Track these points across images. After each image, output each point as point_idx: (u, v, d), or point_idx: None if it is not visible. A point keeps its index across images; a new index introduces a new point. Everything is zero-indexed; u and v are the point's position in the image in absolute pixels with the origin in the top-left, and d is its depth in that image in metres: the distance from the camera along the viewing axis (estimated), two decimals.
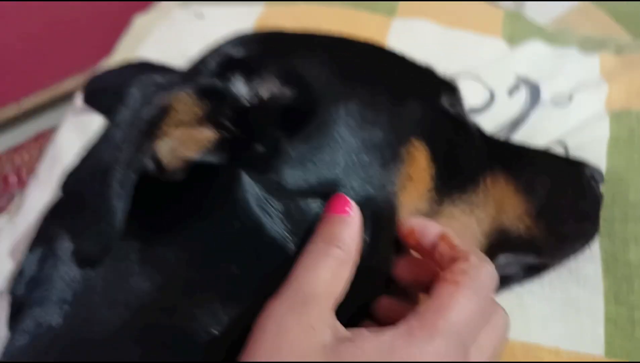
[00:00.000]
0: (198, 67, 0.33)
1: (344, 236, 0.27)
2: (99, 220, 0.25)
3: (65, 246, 0.31)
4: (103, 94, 0.47)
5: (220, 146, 0.28)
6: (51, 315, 0.30)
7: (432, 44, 0.49)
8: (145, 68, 0.47)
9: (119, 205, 0.25)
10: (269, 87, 0.30)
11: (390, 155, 0.31)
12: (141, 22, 0.54)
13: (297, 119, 0.30)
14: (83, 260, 0.29)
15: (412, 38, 0.49)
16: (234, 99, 0.28)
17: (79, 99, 0.49)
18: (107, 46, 1.59)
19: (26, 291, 0.33)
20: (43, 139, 1.66)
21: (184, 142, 0.27)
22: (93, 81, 0.48)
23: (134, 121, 0.26)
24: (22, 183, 1.59)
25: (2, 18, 1.22)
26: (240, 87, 0.29)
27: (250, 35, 0.34)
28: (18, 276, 0.35)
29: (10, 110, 1.47)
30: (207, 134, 0.27)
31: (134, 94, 0.28)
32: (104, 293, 0.28)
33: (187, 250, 0.28)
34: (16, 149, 1.61)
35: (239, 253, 0.28)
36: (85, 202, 0.27)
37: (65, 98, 1.64)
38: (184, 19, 0.51)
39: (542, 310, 0.40)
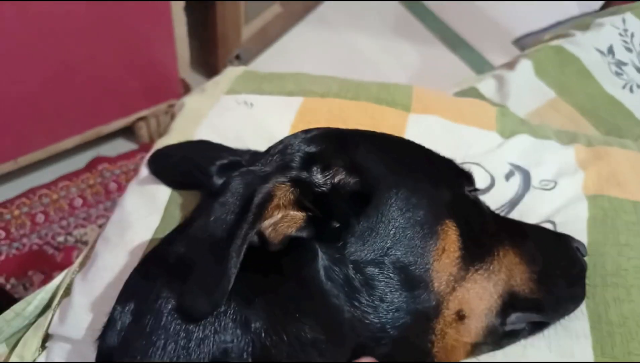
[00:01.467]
0: (283, 159, 0.40)
1: None
2: (217, 284, 0.32)
3: (165, 303, 0.37)
4: (170, 167, 0.55)
5: (308, 223, 0.36)
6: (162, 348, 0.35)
7: (442, 136, 0.59)
8: (205, 146, 0.55)
9: (234, 272, 0.32)
10: (338, 177, 0.38)
11: (428, 231, 0.39)
12: (192, 105, 0.63)
13: (360, 201, 0.38)
14: (193, 316, 0.34)
15: (426, 130, 0.59)
16: (315, 187, 0.37)
17: (144, 170, 0.56)
18: (104, 111, 1.65)
19: (119, 342, 0.38)
20: (33, 195, 1.68)
21: (284, 221, 0.35)
22: (158, 156, 0.55)
23: (245, 205, 0.34)
24: (9, 238, 1.59)
25: (2, 82, 1.27)
26: (318, 177, 0.37)
27: (318, 134, 0.43)
28: (108, 327, 0.40)
29: (6, 166, 1.50)
30: (300, 215, 0.35)
31: (236, 182, 0.36)
32: (200, 344, 0.34)
33: (271, 314, 0.35)
34: (5, 204, 1.62)
35: (312, 317, 0.35)
36: (202, 267, 0.34)
37: (60, 156, 1.69)
38: (234, 106, 0.60)
39: (544, 357, 0.48)
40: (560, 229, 0.54)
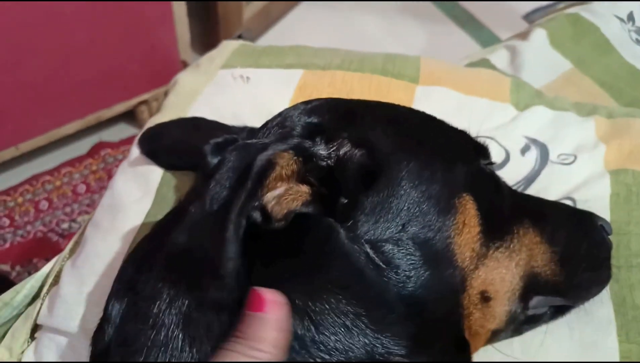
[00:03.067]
0: (283, 131, 0.37)
1: (263, 336, 0.29)
2: (220, 262, 0.29)
3: (165, 295, 0.34)
4: (162, 147, 0.51)
5: (314, 199, 0.32)
6: (170, 355, 0.32)
7: (452, 109, 0.55)
8: (199, 124, 0.52)
9: (234, 247, 0.29)
10: (343, 149, 0.35)
11: (445, 205, 0.36)
12: (186, 81, 0.59)
13: (368, 175, 0.35)
14: (205, 304, 0.31)
15: (435, 103, 0.55)
16: (320, 160, 0.33)
17: (135, 151, 0.53)
18: (105, 95, 1.63)
19: (116, 338, 0.36)
20: (36, 181, 1.66)
21: (288, 194, 0.31)
22: (150, 135, 0.52)
23: (242, 175, 0.30)
24: (13, 225, 1.58)
25: (3, 67, 1.26)
26: (322, 150, 0.34)
27: (320, 104, 0.39)
28: (104, 322, 0.37)
29: (8, 153, 1.49)
30: (305, 189, 0.32)
31: (233, 156, 0.32)
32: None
33: (304, 290, 0.32)
34: (8, 192, 1.61)
35: (349, 291, 0.32)
36: (201, 250, 0.30)
37: (62, 142, 1.67)
38: (230, 81, 0.57)
39: (563, 349, 0.44)
40: (581, 206, 0.50)
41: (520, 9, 2.08)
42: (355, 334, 0.32)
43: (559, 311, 0.44)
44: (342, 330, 0.32)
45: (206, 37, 1.90)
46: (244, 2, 1.80)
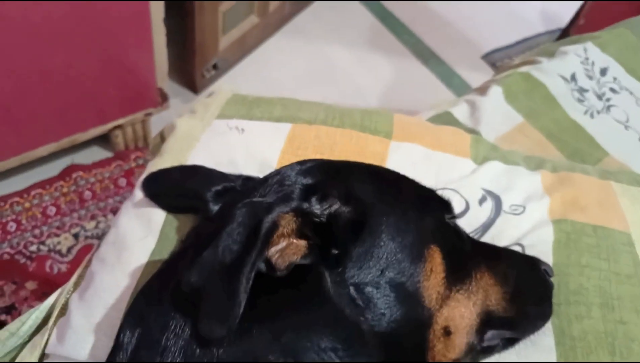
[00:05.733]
0: (282, 190, 0.43)
1: None
2: (230, 308, 0.35)
3: (175, 328, 0.39)
4: (165, 191, 0.57)
5: (310, 251, 0.39)
6: None
7: (421, 162, 0.63)
8: (198, 171, 0.58)
9: (244, 297, 0.35)
10: (334, 207, 0.42)
11: (417, 254, 0.43)
12: (184, 127, 0.65)
13: (355, 228, 0.42)
14: (211, 339, 0.37)
15: (406, 156, 0.63)
16: (315, 217, 0.40)
17: (138, 193, 0.58)
18: (80, 119, 1.64)
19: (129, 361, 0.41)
20: (4, 202, 1.65)
21: (289, 249, 0.38)
22: (152, 179, 0.57)
23: (252, 234, 0.37)
24: None
25: None
26: (316, 209, 0.41)
27: (312, 166, 0.46)
28: (115, 350, 0.42)
29: None
30: (303, 244, 0.39)
31: (243, 213, 0.39)
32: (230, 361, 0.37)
33: (291, 324, 0.38)
34: None
35: (325, 323, 0.39)
36: (213, 294, 0.36)
37: (32, 163, 1.66)
38: (226, 130, 0.63)
39: None
40: (529, 251, 0.59)
41: (479, 49, 2.23)
42: None
43: (509, 342, 0.51)
44: None
45: (182, 65, 1.95)
46: (220, 32, 1.87)
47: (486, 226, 0.60)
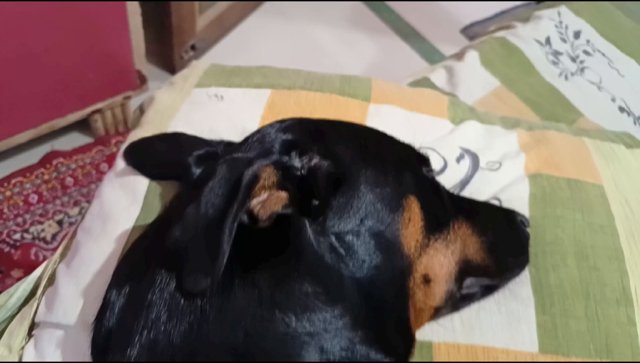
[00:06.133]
0: (263, 146, 0.44)
1: None
2: (214, 259, 0.36)
3: (162, 283, 0.40)
4: (147, 159, 0.57)
5: (291, 202, 0.40)
6: (165, 335, 0.38)
7: (399, 124, 0.64)
8: (180, 138, 0.58)
9: (227, 248, 0.36)
10: (314, 161, 0.43)
11: (395, 204, 0.44)
12: (163, 98, 0.65)
13: (335, 181, 0.43)
14: (197, 290, 0.38)
15: (385, 118, 0.64)
16: (295, 171, 0.41)
17: (120, 162, 0.58)
18: (59, 104, 1.62)
19: (116, 323, 0.41)
20: None
21: (270, 200, 0.39)
22: (134, 148, 0.58)
23: (234, 187, 0.38)
24: None
25: None
26: (296, 162, 0.42)
27: (293, 123, 0.47)
28: (104, 309, 0.43)
29: None
30: (284, 195, 0.39)
31: (224, 168, 0.40)
32: (214, 312, 0.38)
33: (272, 274, 0.39)
34: None
35: (308, 271, 0.40)
36: (197, 246, 0.37)
37: (11, 151, 1.64)
38: (206, 99, 0.63)
39: (493, 321, 0.54)
40: (506, 205, 0.60)
41: (458, 24, 2.24)
42: (314, 312, 0.39)
43: (488, 290, 0.53)
44: (302, 308, 0.39)
45: (160, 47, 1.92)
46: (197, 12, 1.84)
47: (464, 183, 0.62)
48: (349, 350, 0.40)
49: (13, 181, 1.69)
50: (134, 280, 0.42)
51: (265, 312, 0.38)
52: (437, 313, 0.51)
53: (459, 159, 0.64)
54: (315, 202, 0.42)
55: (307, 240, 0.41)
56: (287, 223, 0.41)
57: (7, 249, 1.59)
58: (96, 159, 1.80)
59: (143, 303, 0.40)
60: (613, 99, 0.92)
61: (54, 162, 1.75)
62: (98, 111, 1.73)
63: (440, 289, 0.48)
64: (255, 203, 0.39)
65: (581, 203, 0.62)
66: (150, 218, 0.52)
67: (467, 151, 0.65)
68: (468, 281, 0.50)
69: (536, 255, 0.57)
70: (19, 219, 1.63)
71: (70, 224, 1.64)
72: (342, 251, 0.41)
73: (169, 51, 1.91)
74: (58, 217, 1.65)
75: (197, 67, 0.69)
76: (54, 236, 1.61)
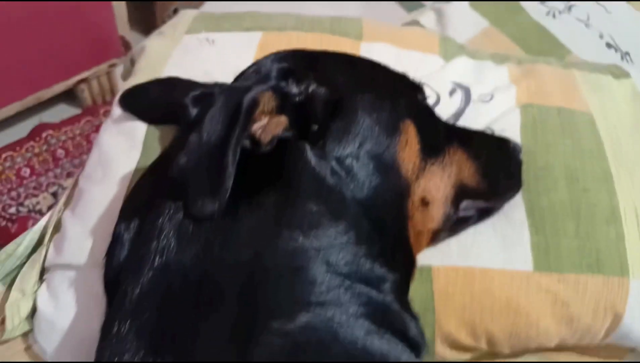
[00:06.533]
0: (260, 75, 0.45)
1: None
2: (220, 183, 0.37)
3: (169, 213, 0.41)
4: (144, 104, 0.58)
5: (291, 126, 0.41)
6: (176, 260, 0.39)
7: (391, 61, 0.64)
8: (174, 82, 0.58)
9: (232, 170, 0.37)
10: (311, 88, 0.43)
11: (392, 128, 0.46)
12: (154, 46, 0.65)
13: (332, 107, 0.44)
14: (204, 215, 0.39)
15: (377, 56, 0.64)
16: (293, 97, 0.42)
17: (117, 109, 0.59)
18: (44, 74, 1.60)
19: (127, 256, 0.43)
20: None
21: (271, 124, 0.40)
22: (130, 94, 0.58)
23: (234, 113, 0.38)
24: None
25: None
26: (294, 88, 0.42)
27: (288, 54, 0.48)
28: (114, 244, 0.44)
29: None
30: (284, 118, 0.40)
31: (223, 97, 0.40)
32: (223, 235, 0.39)
33: (279, 195, 0.40)
34: None
35: (312, 192, 0.41)
36: (202, 173, 0.38)
37: (1, 125, 1.63)
38: (197, 44, 0.63)
39: (490, 244, 0.56)
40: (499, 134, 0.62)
41: None
42: (320, 229, 0.40)
43: (483, 214, 0.55)
44: (308, 226, 0.40)
45: (143, 13, 1.89)
46: None
47: (457, 115, 0.63)
48: (354, 263, 0.41)
49: (4, 155, 1.68)
50: (142, 213, 0.43)
51: (273, 231, 0.40)
52: (435, 237, 0.53)
53: (451, 93, 0.64)
54: (315, 127, 0.42)
55: (309, 163, 0.42)
56: (287, 148, 0.42)
57: (3, 223, 1.59)
58: (85, 130, 1.79)
59: (152, 233, 0.41)
60: (601, 36, 0.93)
61: (44, 135, 1.74)
62: (84, 80, 1.71)
63: (437, 212, 0.50)
64: (256, 127, 0.40)
65: (571, 130, 0.63)
66: (151, 161, 0.53)
67: (459, 85, 0.66)
68: (464, 204, 0.52)
69: (528, 180, 0.59)
70: (13, 194, 1.62)
71: None
72: (342, 173, 0.43)
73: (151, 17, 1.88)
74: (52, 189, 1.65)
75: (185, 16, 0.69)
76: (49, 208, 1.61)
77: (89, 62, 1.66)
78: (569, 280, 0.55)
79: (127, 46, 1.77)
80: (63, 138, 1.76)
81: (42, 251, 0.54)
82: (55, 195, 1.63)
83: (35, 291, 0.52)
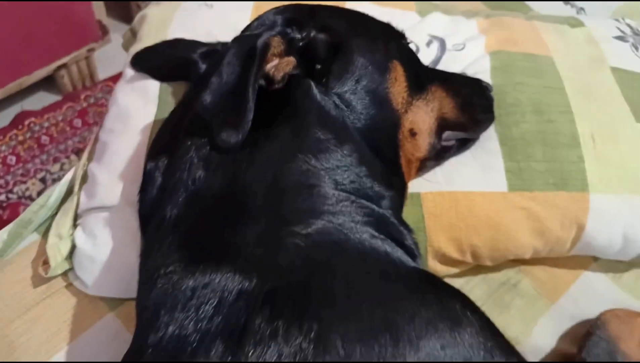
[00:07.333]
0: (266, 26, 0.51)
1: None
2: (243, 115, 0.43)
3: (196, 149, 0.47)
4: (155, 63, 0.63)
5: (299, 65, 0.47)
6: (205, 186, 0.46)
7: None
8: (181, 43, 0.64)
9: (252, 104, 0.44)
10: (312, 33, 0.50)
11: (383, 67, 0.53)
12: (155, 13, 0.70)
13: (332, 50, 0.51)
14: (229, 145, 0.45)
15: None
16: (297, 41, 0.48)
17: (129, 71, 0.64)
18: (24, 61, 1.61)
19: (158, 192, 0.49)
20: None
21: (281, 64, 0.46)
22: (141, 55, 0.64)
23: (249, 56, 0.45)
24: None
25: None
26: (297, 34, 0.49)
27: (289, 7, 0.54)
28: (146, 181, 0.50)
29: None
30: (292, 58, 0.47)
31: (236, 44, 0.47)
32: (245, 162, 0.46)
33: (292, 126, 0.47)
34: None
35: (319, 123, 0.48)
36: (224, 109, 0.44)
37: None
38: (196, 8, 0.68)
39: (470, 171, 0.64)
40: None
41: None
42: (328, 153, 0.48)
43: (462, 144, 0.63)
44: (317, 150, 0.47)
45: None
46: None
47: (435, 63, 0.70)
48: (357, 182, 0.49)
49: None
50: (169, 151, 0.49)
51: (288, 156, 0.47)
52: (423, 166, 0.61)
53: (428, 44, 0.72)
54: (318, 67, 0.49)
55: (315, 98, 0.49)
56: (295, 86, 0.49)
57: None
58: (68, 116, 1.81)
59: (183, 166, 0.47)
60: None
61: (26, 122, 1.75)
62: (63, 66, 1.72)
63: (424, 141, 0.58)
64: (269, 67, 0.46)
65: (535, 71, 0.72)
66: (167, 113, 0.59)
67: (435, 37, 0.73)
68: (446, 134, 0.60)
69: (500, 115, 0.67)
70: (1, 181, 1.64)
71: (54, 180, 1.66)
72: (343, 106, 0.50)
73: (126, 1, 1.90)
74: (40, 175, 1.67)
75: None
76: (39, 194, 1.64)
77: (68, 48, 1.67)
78: (539, 198, 0.63)
79: (104, 30, 1.79)
80: (46, 124, 1.77)
81: (73, 199, 0.60)
82: (43, 180, 1.65)
83: (71, 235, 0.58)
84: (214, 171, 0.47)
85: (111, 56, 1.87)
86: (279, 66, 0.46)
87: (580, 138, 0.67)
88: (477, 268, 0.66)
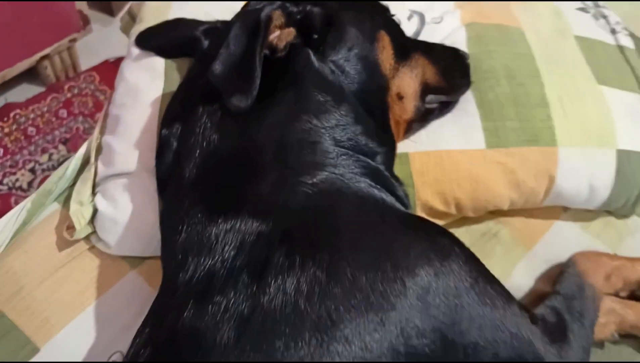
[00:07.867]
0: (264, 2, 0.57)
1: None
2: (252, 81, 0.49)
3: (207, 115, 0.53)
4: (159, 41, 0.68)
5: (298, 36, 0.53)
6: (218, 148, 0.51)
7: None
8: (184, 21, 0.69)
9: (259, 71, 0.49)
10: (308, 8, 0.56)
11: (372, 36, 0.59)
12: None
13: (326, 22, 0.56)
14: (239, 109, 0.50)
15: None
16: (295, 15, 0.54)
17: (134, 50, 0.69)
18: (6, 54, 1.61)
19: (175, 153, 0.54)
20: None
21: (283, 34, 0.52)
22: (145, 34, 0.68)
23: (254, 28, 0.50)
24: None
25: None
26: (294, 8, 0.55)
27: None
28: (162, 147, 0.55)
29: None
30: (292, 29, 0.53)
31: (240, 19, 0.52)
32: (255, 124, 0.52)
33: (294, 91, 0.53)
34: None
35: (318, 87, 0.54)
36: (233, 77, 0.50)
37: None
38: None
39: (451, 132, 0.71)
40: None
41: None
42: (327, 113, 0.54)
43: (444, 107, 0.70)
44: (318, 111, 0.53)
45: None
46: None
47: (416, 35, 0.77)
48: (353, 139, 0.55)
49: None
50: (182, 118, 0.55)
51: (293, 116, 0.53)
52: (409, 128, 0.67)
53: (409, 18, 0.78)
54: (315, 36, 0.55)
55: (313, 65, 0.55)
56: (295, 55, 0.54)
57: None
58: (53, 106, 1.82)
59: (197, 130, 0.53)
60: None
61: (11, 114, 1.76)
62: (46, 57, 1.73)
63: (410, 104, 0.64)
64: (272, 37, 0.52)
65: (506, 40, 0.79)
66: (174, 87, 0.64)
67: (415, 12, 0.80)
68: (429, 98, 0.67)
69: (477, 81, 0.74)
70: None
71: (43, 170, 1.68)
72: (338, 72, 0.56)
73: None
74: (29, 166, 1.69)
75: None
76: (30, 184, 1.66)
77: (51, 38, 1.68)
78: (514, 153, 0.70)
79: (85, 20, 1.80)
80: (32, 115, 1.78)
81: (90, 170, 0.64)
82: (33, 171, 1.67)
83: (91, 201, 0.63)
84: (227, 133, 0.52)
85: (92, 46, 1.88)
86: (281, 36, 0.52)
87: (549, 98, 0.74)
88: (461, 220, 0.73)
